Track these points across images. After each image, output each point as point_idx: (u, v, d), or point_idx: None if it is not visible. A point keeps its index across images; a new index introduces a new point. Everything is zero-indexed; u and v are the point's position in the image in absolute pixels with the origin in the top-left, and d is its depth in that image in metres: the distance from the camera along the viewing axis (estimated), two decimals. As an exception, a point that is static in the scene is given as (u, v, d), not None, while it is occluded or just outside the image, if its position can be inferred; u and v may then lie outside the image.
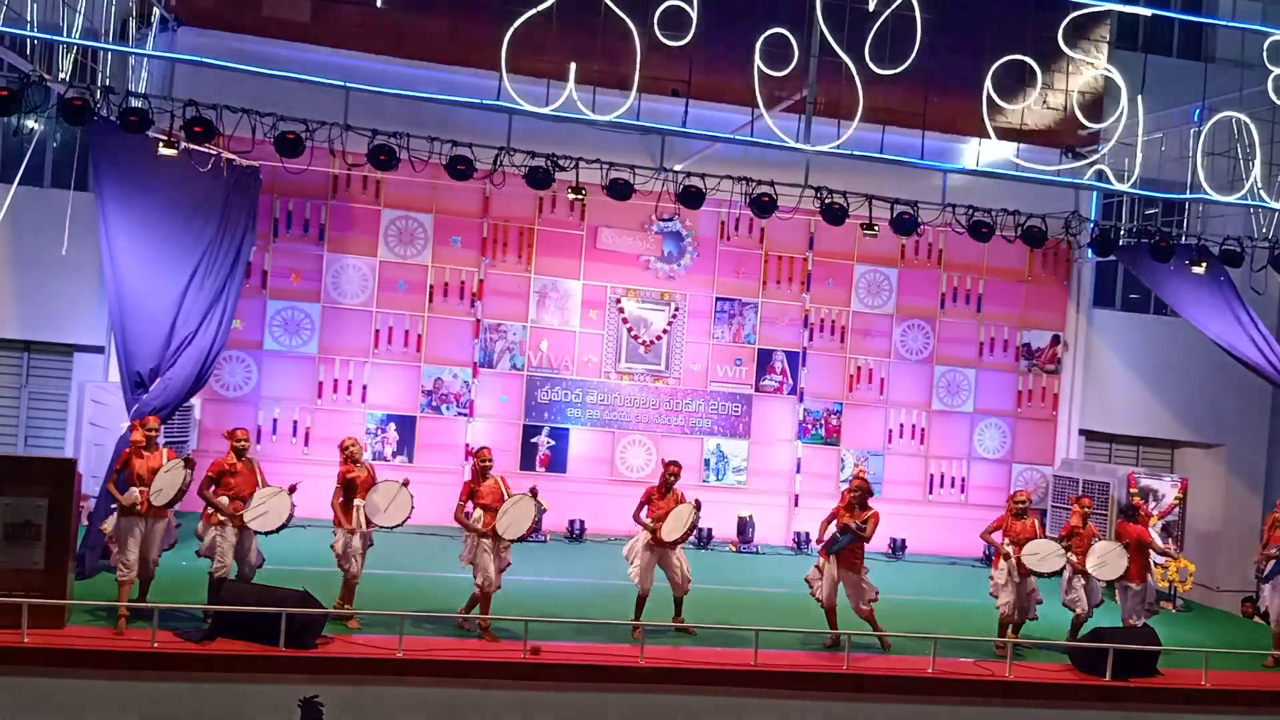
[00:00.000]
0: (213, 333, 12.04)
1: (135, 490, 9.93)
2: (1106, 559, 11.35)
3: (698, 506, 11.03)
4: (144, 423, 10.34)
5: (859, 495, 11.09)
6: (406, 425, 15.68)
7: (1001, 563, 11.30)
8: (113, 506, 10.10)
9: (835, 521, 11.12)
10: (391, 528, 10.58)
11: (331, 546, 10.58)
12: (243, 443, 10.45)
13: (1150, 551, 11.77)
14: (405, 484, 10.68)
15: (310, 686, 9.37)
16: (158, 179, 11.99)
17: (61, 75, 11.70)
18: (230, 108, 11.58)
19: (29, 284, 14.24)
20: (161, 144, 11.51)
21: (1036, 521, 11.63)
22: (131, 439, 10.26)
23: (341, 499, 10.59)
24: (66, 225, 12.62)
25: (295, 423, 15.33)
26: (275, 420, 15.21)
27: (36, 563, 9.41)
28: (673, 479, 11.17)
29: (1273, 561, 11.83)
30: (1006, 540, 11.31)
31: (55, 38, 11.51)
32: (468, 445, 15.44)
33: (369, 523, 10.54)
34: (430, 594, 11.52)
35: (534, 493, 10.64)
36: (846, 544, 10.97)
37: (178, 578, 11.20)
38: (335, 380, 15.50)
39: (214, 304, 12.15)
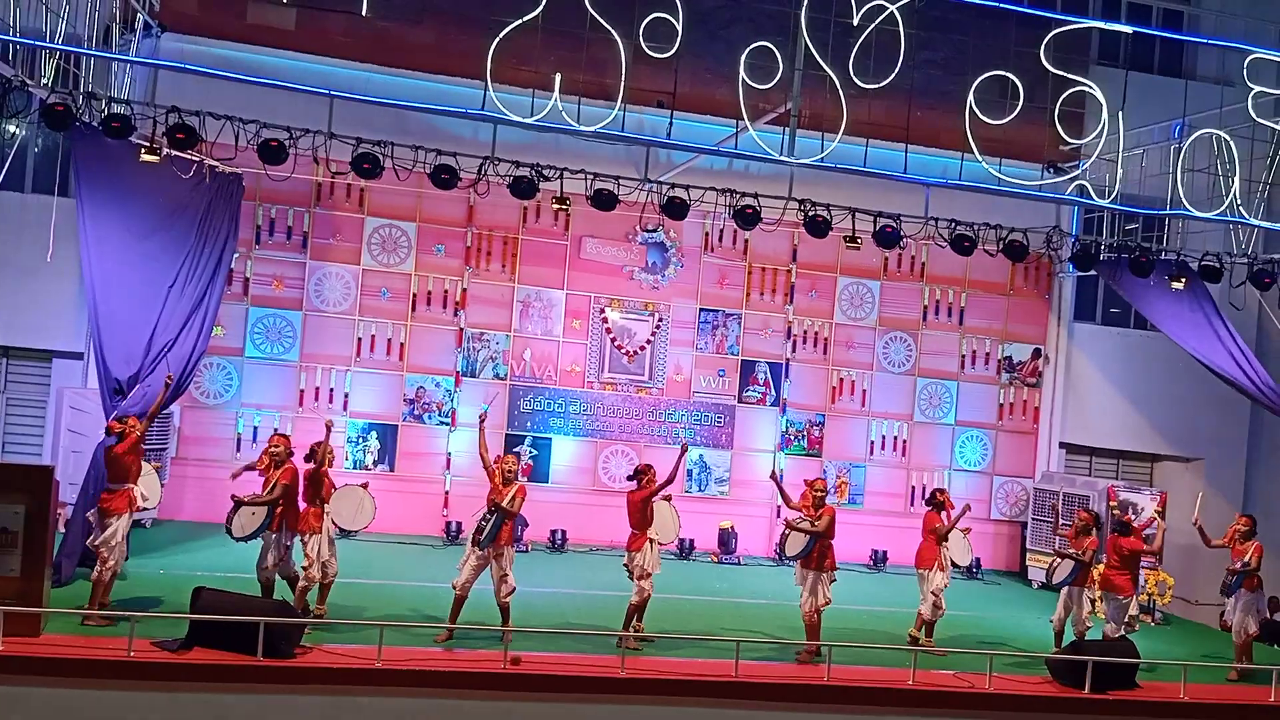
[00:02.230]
0: (193, 339, 11.98)
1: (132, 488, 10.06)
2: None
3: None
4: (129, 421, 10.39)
5: (819, 496, 11.16)
6: (388, 434, 15.63)
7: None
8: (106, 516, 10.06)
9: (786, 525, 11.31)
10: (358, 531, 10.59)
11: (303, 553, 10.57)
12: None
13: (1138, 569, 11.91)
14: (365, 486, 10.83)
15: (289, 696, 9.31)
16: (140, 185, 11.95)
17: (44, 80, 11.67)
18: (213, 114, 11.55)
19: (8, 289, 14.14)
20: (144, 150, 11.46)
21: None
22: (132, 437, 10.23)
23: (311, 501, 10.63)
24: (52, 231, 12.55)
25: (275, 431, 15.20)
26: (256, 428, 15.12)
27: (13, 570, 9.32)
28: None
29: (1235, 575, 11.87)
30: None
31: (38, 43, 11.47)
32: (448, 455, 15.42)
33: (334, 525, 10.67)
34: (410, 603, 11.47)
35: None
36: (809, 547, 10.99)
37: (154, 585, 11.14)
38: (317, 388, 15.43)
39: (194, 311, 12.10)
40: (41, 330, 14.37)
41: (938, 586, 11.78)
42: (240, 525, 10.29)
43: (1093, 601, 11.84)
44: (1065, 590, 11.69)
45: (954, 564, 11.96)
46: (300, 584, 10.47)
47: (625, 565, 11.08)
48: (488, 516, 10.45)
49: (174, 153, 11.83)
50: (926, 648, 11.43)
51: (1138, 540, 11.93)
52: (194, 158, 12.25)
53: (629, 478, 11.42)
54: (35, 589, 9.41)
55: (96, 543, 10.01)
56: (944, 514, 11.99)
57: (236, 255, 14.15)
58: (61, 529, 11.22)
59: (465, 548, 10.67)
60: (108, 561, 9.98)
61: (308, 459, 10.70)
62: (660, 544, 11.10)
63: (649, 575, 10.88)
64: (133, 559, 11.69)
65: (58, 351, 14.50)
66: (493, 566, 10.46)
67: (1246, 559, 11.84)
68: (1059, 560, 11.73)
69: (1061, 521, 12.97)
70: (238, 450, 14.92)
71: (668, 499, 11.25)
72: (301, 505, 10.60)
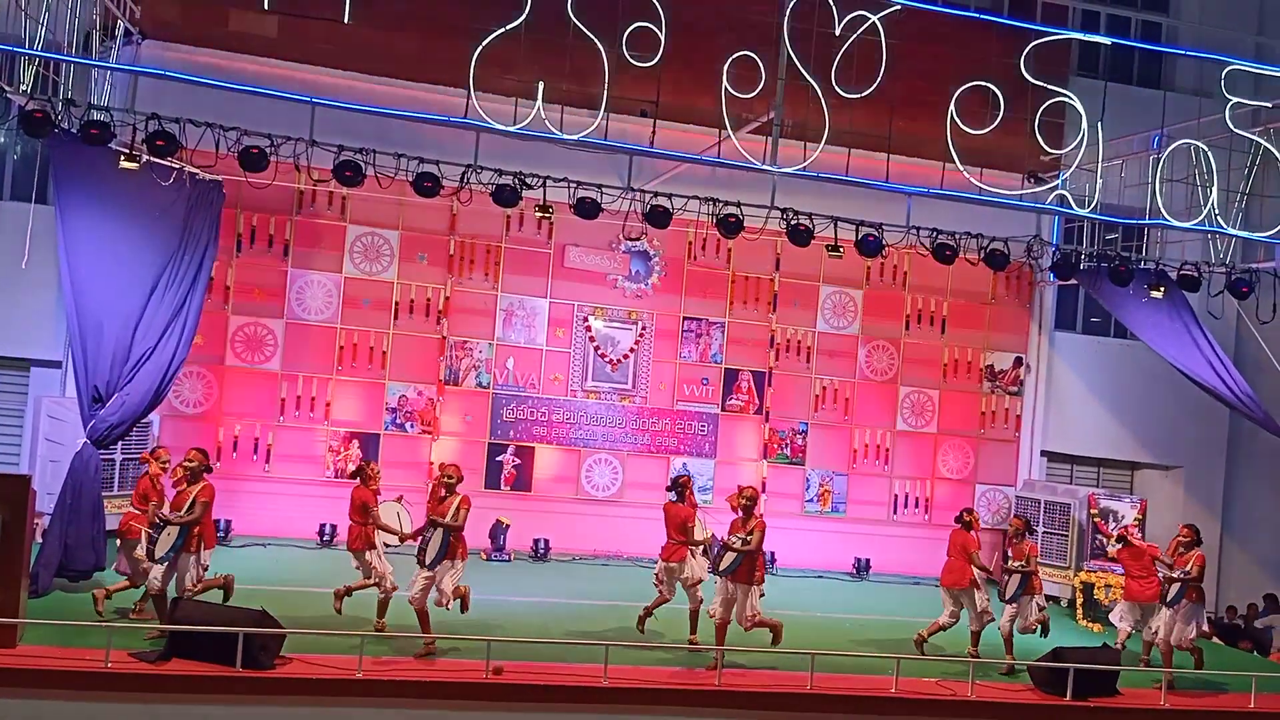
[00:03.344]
0: (172, 348, 11.89)
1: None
2: None
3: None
4: (157, 455, 10.66)
5: (747, 504, 10.93)
6: (370, 443, 15.55)
7: None
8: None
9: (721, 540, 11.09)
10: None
11: (358, 567, 10.86)
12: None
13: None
14: (400, 499, 10.94)
15: (269, 708, 9.24)
16: (119, 192, 11.86)
17: (22, 87, 11.58)
18: (194, 121, 11.49)
19: (-14, 297, 14.04)
20: (123, 157, 11.39)
21: None
22: (152, 472, 10.53)
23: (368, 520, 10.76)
24: (27, 238, 12.44)
25: (256, 440, 15.16)
26: (236, 438, 15.03)
27: (-12, 580, 9.23)
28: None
29: (1177, 586, 11.78)
30: None
31: (16, 49, 11.38)
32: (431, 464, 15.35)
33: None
34: (391, 613, 11.39)
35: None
36: (738, 563, 10.74)
37: (133, 595, 11.04)
38: (298, 397, 15.35)
39: (174, 319, 12.01)
40: (20, 339, 14.24)
41: (984, 604, 11.74)
42: (159, 544, 9.90)
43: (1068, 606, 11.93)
44: (1017, 601, 11.67)
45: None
46: (380, 597, 10.72)
47: (659, 575, 11.33)
48: (426, 534, 10.31)
49: (154, 160, 11.75)
50: (986, 659, 11.49)
51: (1154, 547, 12.32)
52: (174, 165, 12.16)
53: (668, 488, 11.68)
54: (11, 599, 9.31)
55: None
56: (973, 533, 11.86)
57: (217, 263, 14.06)
58: (39, 539, 11.11)
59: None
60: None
61: (354, 475, 11.03)
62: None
63: (699, 582, 11.18)
64: (111, 571, 11.62)
65: (36, 360, 14.38)
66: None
67: (1188, 569, 11.78)
68: (1008, 576, 11.71)
69: (1042, 531, 13.04)
70: (218, 460, 14.81)
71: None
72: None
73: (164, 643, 9.51)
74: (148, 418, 12.72)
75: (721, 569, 10.79)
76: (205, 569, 10.35)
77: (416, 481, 15.47)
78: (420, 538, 10.38)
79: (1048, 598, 12.41)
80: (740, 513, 10.94)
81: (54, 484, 11.71)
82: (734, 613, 10.75)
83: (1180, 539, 12.03)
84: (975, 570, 11.63)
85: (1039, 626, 11.68)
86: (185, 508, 10.01)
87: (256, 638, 9.38)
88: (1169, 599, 11.81)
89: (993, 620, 11.75)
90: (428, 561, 10.20)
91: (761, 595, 10.87)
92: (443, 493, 10.38)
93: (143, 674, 9.12)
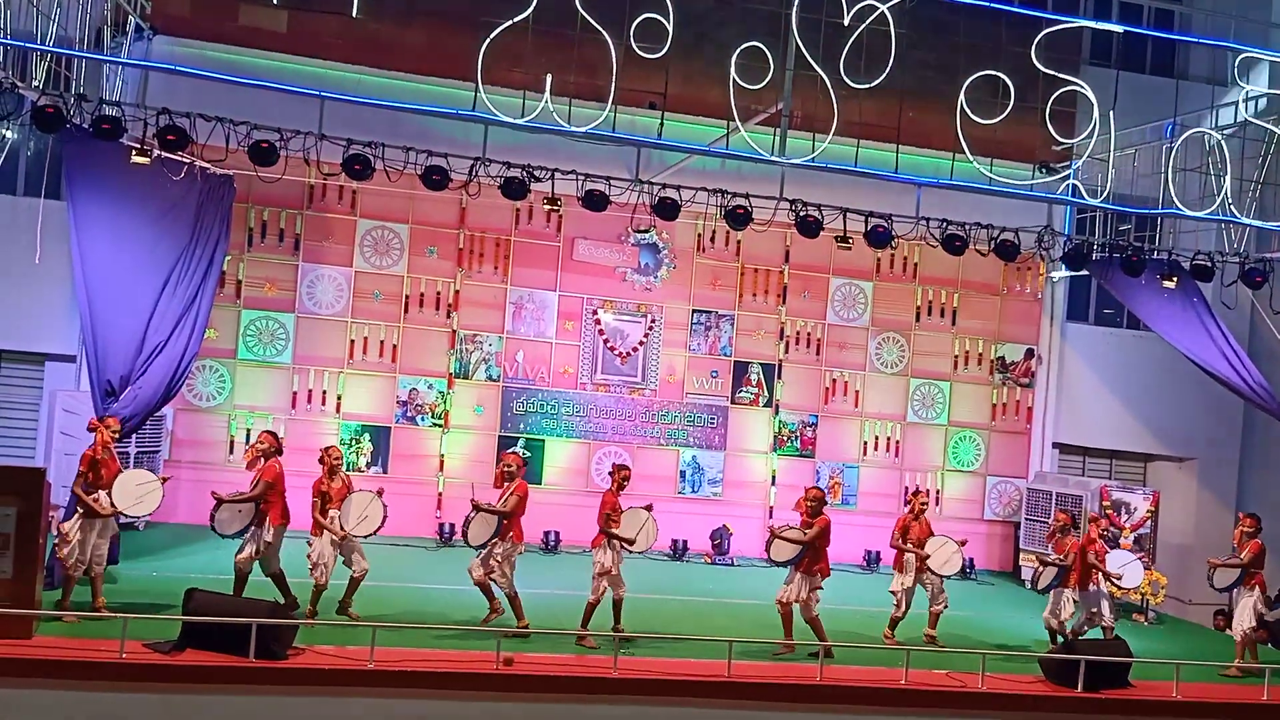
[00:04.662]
0: (184, 341, 11.97)
1: (104, 495, 10.04)
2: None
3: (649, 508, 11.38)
4: (107, 423, 10.37)
5: (813, 505, 11.14)
6: (381, 436, 15.61)
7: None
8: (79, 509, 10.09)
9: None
10: (364, 537, 10.67)
11: (306, 555, 10.59)
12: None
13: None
14: (379, 494, 10.81)
15: (281, 698, 9.29)
16: (130, 187, 11.94)
17: (35, 83, 11.65)
18: (204, 116, 11.55)
19: (1, 292, 14.11)
20: (134, 152, 11.45)
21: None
22: (100, 440, 10.21)
23: (318, 508, 10.65)
24: (39, 233, 12.53)
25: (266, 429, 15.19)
26: (249, 431, 15.10)
27: (4, 572, 9.30)
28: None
29: (1236, 572, 11.93)
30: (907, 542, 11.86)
31: (29, 45, 11.46)
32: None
33: (343, 531, 10.63)
34: (402, 604, 11.46)
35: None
36: (800, 555, 11.02)
37: (147, 586, 11.12)
38: (310, 390, 15.42)
39: (186, 312, 12.09)
40: (34, 333, 14.35)
41: (930, 586, 11.93)
42: (221, 521, 10.48)
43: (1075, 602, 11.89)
44: (1053, 592, 11.77)
45: (935, 573, 11.86)
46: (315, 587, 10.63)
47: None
48: (470, 516, 10.84)
49: (165, 155, 11.82)
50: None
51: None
52: (185, 159, 12.23)
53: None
54: (27, 591, 9.38)
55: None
56: (910, 514, 12.06)
57: (228, 258, 14.14)
58: (55, 531, 11.18)
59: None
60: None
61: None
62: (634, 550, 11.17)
63: (604, 573, 10.99)
64: (125, 561, 11.71)
65: (50, 354, 14.48)
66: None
67: (1243, 556, 11.95)
68: (1042, 567, 11.82)
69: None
70: (230, 453, 14.91)
71: (648, 508, 11.29)
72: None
73: (178, 633, 9.58)
74: (161, 411, 12.80)
75: (780, 560, 11.14)
76: (269, 545, 10.52)
77: (427, 474, 15.59)
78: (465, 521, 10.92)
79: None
80: (807, 514, 11.13)
81: (68, 477, 11.72)
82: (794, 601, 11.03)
83: (1244, 529, 12.11)
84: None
85: (1102, 628, 11.82)
86: (251, 487, 10.54)
87: (271, 628, 9.44)
88: (1228, 585, 12.07)
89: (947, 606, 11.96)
90: (472, 544, 10.86)
91: (818, 588, 11.04)
92: (504, 481, 11.07)
93: (157, 664, 9.17)
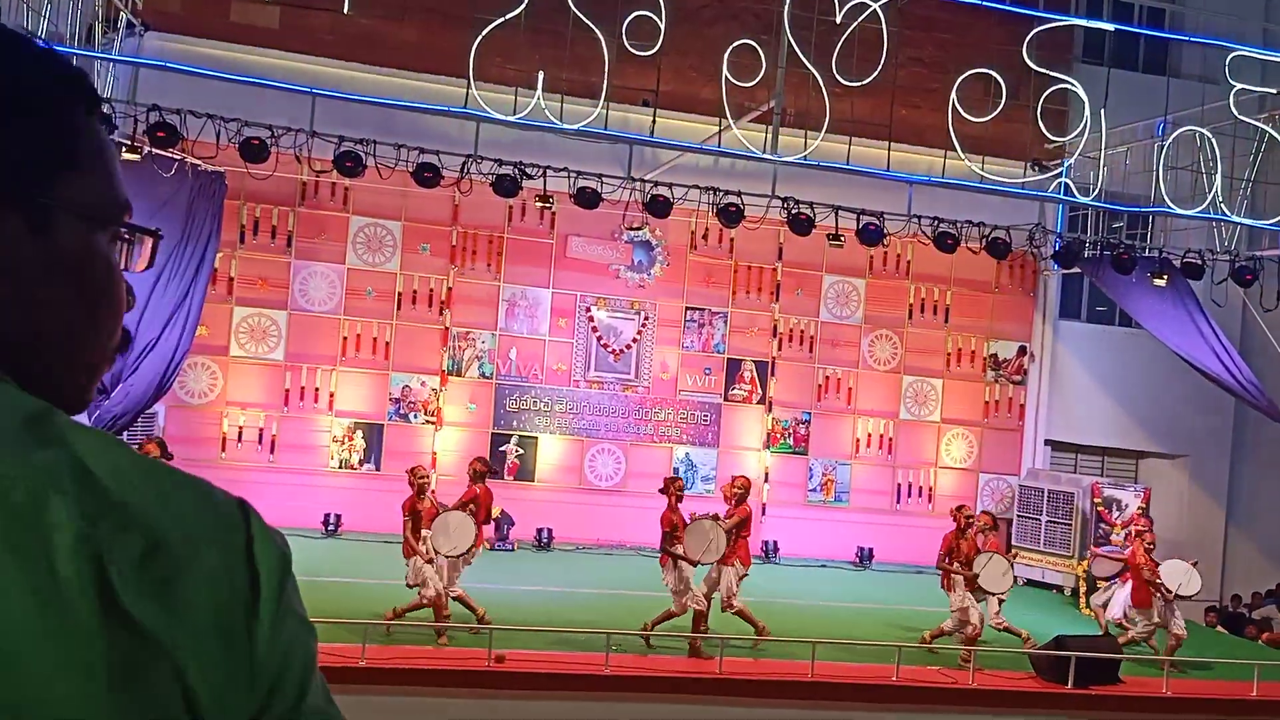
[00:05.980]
0: (176, 339, 11.97)
1: None
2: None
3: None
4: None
5: (739, 493, 11.07)
6: (374, 433, 15.61)
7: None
8: None
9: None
10: (458, 556, 10.54)
11: (406, 583, 10.52)
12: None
13: None
14: (474, 509, 10.69)
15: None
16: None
17: (24, 78, 11.59)
18: (195, 112, 11.53)
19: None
20: (125, 149, 11.43)
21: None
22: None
23: (410, 528, 10.52)
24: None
25: (261, 430, 15.21)
26: (240, 428, 15.09)
27: None
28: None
29: None
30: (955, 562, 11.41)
31: (19, 41, 11.40)
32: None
33: (436, 552, 10.47)
34: (393, 601, 11.42)
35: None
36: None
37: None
38: (302, 387, 15.40)
39: (177, 310, 12.09)
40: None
41: (957, 602, 11.57)
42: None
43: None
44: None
45: (987, 591, 11.42)
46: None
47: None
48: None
49: (156, 151, 11.79)
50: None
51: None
52: (176, 156, 12.21)
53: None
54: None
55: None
56: (958, 529, 11.75)
57: (220, 255, 14.11)
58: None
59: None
60: None
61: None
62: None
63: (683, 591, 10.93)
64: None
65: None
66: None
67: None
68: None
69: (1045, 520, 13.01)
70: (223, 450, 14.89)
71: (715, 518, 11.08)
72: None
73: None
74: (152, 408, 12.78)
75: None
76: None
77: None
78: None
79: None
80: (733, 502, 11.05)
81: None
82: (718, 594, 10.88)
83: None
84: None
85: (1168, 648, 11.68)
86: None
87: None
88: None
89: (967, 622, 11.30)
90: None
91: (742, 577, 10.94)
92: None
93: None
